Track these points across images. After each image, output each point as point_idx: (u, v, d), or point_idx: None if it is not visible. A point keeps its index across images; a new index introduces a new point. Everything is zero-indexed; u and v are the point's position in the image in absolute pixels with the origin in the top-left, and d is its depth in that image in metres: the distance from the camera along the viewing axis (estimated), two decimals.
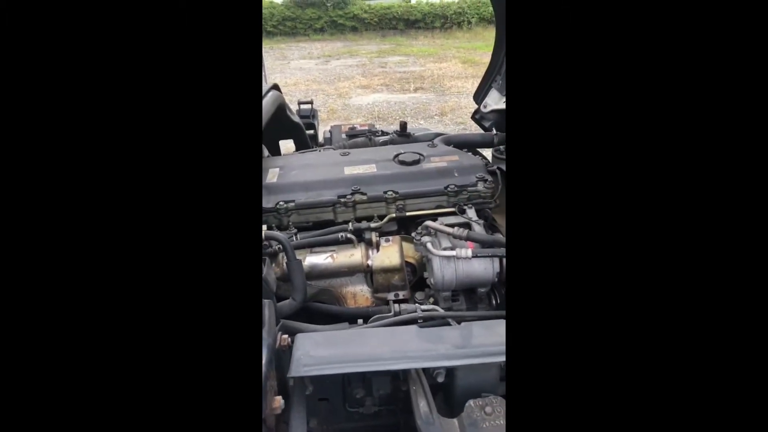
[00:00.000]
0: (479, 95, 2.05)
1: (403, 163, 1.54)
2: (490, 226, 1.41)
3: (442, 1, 13.81)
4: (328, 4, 13.53)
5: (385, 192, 1.42)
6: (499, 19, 1.87)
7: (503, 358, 0.88)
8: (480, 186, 1.43)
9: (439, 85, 7.81)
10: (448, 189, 1.42)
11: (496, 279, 1.20)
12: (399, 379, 1.00)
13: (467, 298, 1.28)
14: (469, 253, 1.14)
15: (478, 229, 1.28)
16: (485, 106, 2.03)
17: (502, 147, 1.81)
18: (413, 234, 1.28)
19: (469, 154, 1.65)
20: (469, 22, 13.39)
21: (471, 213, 1.36)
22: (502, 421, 0.86)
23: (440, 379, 0.95)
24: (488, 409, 0.88)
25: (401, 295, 1.29)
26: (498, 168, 1.47)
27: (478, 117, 2.08)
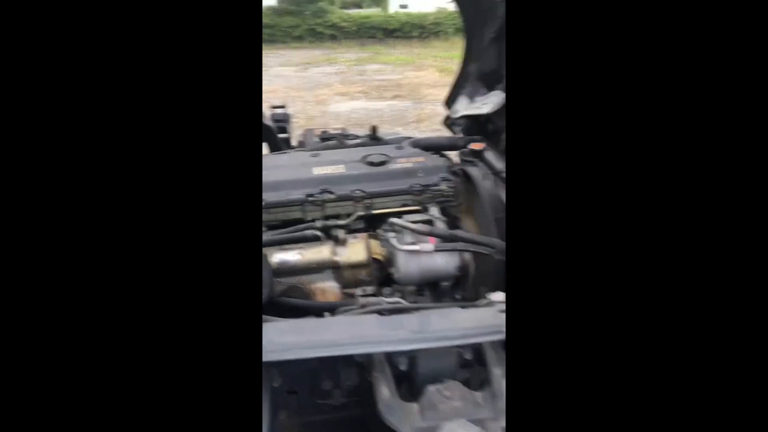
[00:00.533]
0: (450, 101, 2.12)
1: (370, 164, 1.59)
2: (452, 224, 1.47)
3: (419, 11, 14.04)
4: (307, 13, 13.59)
5: (353, 191, 1.46)
6: (467, 29, 1.95)
7: (459, 342, 0.93)
8: (443, 185, 1.49)
9: (417, 93, 7.92)
10: (413, 188, 1.48)
11: (459, 273, 1.26)
12: (366, 370, 1.04)
13: (432, 292, 1.33)
14: (431, 247, 1.19)
15: (441, 225, 1.34)
16: (455, 112, 2.09)
17: (466, 150, 1.88)
18: (379, 231, 1.32)
19: (435, 155, 1.71)
20: (446, 32, 13.63)
21: (434, 211, 1.42)
22: (458, 403, 0.91)
23: (402, 367, 0.99)
24: (446, 393, 0.92)
25: (369, 290, 1.33)
26: (461, 169, 1.53)
27: (449, 122, 2.15)
